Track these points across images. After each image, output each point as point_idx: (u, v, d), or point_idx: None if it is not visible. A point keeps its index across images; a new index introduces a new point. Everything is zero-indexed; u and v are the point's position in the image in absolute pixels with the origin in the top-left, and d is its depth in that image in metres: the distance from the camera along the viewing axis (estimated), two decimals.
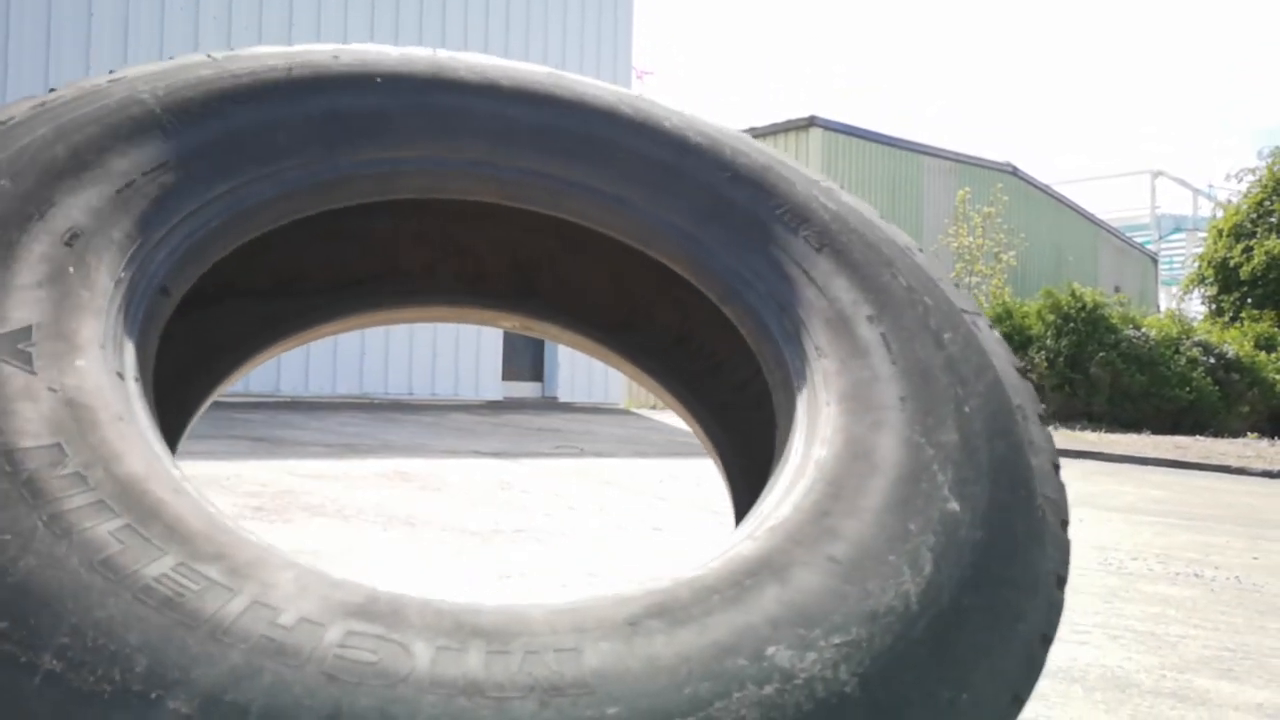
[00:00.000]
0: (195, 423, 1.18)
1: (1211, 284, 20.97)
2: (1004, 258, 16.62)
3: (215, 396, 1.20)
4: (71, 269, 0.74)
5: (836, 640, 0.65)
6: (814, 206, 1.04)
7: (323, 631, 0.57)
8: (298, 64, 1.02)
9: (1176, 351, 13.90)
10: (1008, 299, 15.41)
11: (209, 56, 1.01)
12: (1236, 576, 3.05)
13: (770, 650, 0.63)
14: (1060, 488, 0.86)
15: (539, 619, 0.63)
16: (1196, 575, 3.03)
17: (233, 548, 0.61)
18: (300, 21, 10.03)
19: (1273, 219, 20.41)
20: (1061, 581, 0.79)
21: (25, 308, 0.70)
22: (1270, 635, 2.29)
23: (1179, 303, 22.31)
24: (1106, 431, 11.83)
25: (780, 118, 17.26)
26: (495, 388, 11.46)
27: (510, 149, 1.05)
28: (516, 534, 3.01)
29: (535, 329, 1.39)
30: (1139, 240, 26.27)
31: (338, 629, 0.58)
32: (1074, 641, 2.10)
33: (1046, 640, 0.74)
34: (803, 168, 1.14)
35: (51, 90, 0.91)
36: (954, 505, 0.78)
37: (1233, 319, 19.09)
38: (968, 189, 17.39)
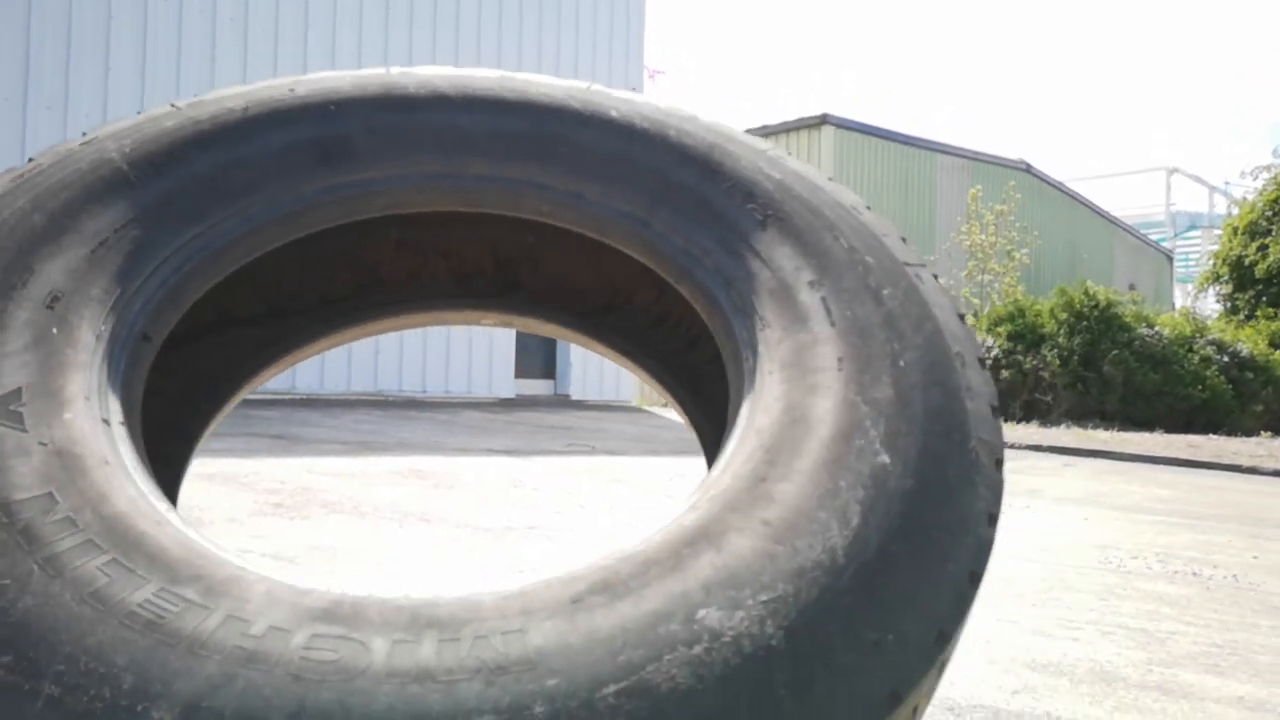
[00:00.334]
0: (200, 445, 1.25)
1: (1226, 282, 20.87)
2: (1017, 255, 16.59)
3: (218, 422, 1.27)
4: (55, 330, 0.82)
5: (764, 598, 0.69)
6: (758, 179, 1.07)
7: (290, 637, 0.64)
8: (254, 102, 1.08)
9: (1190, 350, 13.86)
10: (1020, 297, 15.40)
11: (173, 106, 1.07)
12: (1234, 575, 3.10)
13: (701, 614, 0.68)
14: (996, 429, 0.90)
15: (489, 605, 0.68)
16: (1194, 574, 3.08)
17: (209, 569, 0.69)
18: (316, 20, 10.14)
19: None
20: (993, 519, 0.83)
21: (14, 372, 0.77)
22: (1260, 632, 2.34)
23: (1194, 301, 22.20)
24: (1119, 430, 11.83)
25: (792, 116, 17.30)
26: (508, 385, 11.56)
27: (465, 157, 1.09)
28: (528, 531, 3.10)
29: (515, 323, 1.42)
30: (1154, 238, 26.15)
31: (303, 633, 0.64)
32: (1066, 638, 2.17)
33: (975, 578, 0.78)
34: (750, 139, 1.15)
35: (30, 160, 0.98)
36: (884, 458, 0.81)
37: (1248, 317, 18.99)
38: (980, 187, 17.37)
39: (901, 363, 0.89)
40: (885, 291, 0.96)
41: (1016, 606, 2.47)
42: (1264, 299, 19.71)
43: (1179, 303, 22.84)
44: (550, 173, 1.09)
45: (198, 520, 2.81)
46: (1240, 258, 20.51)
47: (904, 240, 1.06)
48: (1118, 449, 9.13)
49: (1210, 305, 21.91)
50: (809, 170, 1.11)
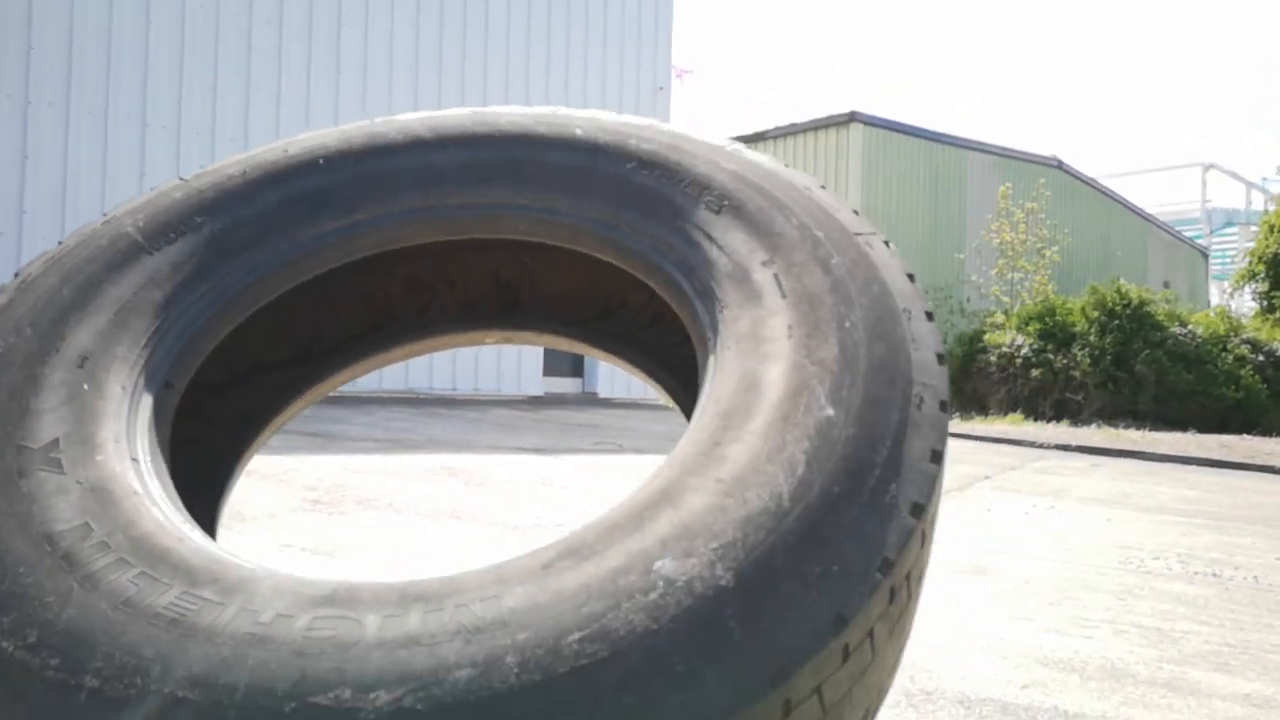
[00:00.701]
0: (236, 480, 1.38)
1: (1263, 280, 20.54)
2: (1047, 253, 16.47)
3: (253, 453, 1.40)
4: (86, 385, 0.94)
5: (714, 545, 0.78)
6: (713, 173, 1.15)
7: (294, 621, 0.74)
8: (251, 166, 1.22)
9: (1224, 349, 13.70)
10: (1051, 295, 15.29)
11: (180, 179, 1.21)
12: (1255, 576, 3.13)
13: (657, 565, 0.76)
14: (941, 374, 0.96)
15: (470, 579, 0.77)
16: (1214, 575, 3.11)
17: (225, 572, 0.79)
18: (349, 20, 10.29)
19: None
20: (936, 455, 0.89)
21: (51, 425, 0.90)
22: (1275, 632, 2.38)
23: (1230, 299, 21.88)
24: (1151, 430, 11.73)
25: (821, 114, 17.26)
26: (536, 383, 11.69)
27: (442, 190, 1.20)
28: (557, 529, 3.19)
29: (515, 338, 1.52)
30: (1189, 235, 25.79)
31: (306, 617, 0.74)
32: (1079, 636, 2.22)
33: (918, 507, 0.85)
34: (706, 138, 1.24)
35: (59, 243, 1.12)
36: (829, 411, 0.89)
37: None
38: (1010, 184, 17.24)
39: (848, 323, 0.97)
40: (834, 260, 1.04)
41: (1033, 605, 2.52)
42: None
43: (1214, 300, 22.53)
44: (523, 193, 1.19)
45: (240, 517, 2.93)
46: (1277, 255, 20.18)
47: (856, 213, 1.14)
48: (1148, 449, 9.08)
49: (1246, 303, 21.58)
50: (765, 159, 1.20)
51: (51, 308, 1.01)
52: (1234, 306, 19.83)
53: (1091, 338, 13.33)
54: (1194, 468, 8.16)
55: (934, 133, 18.02)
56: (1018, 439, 9.60)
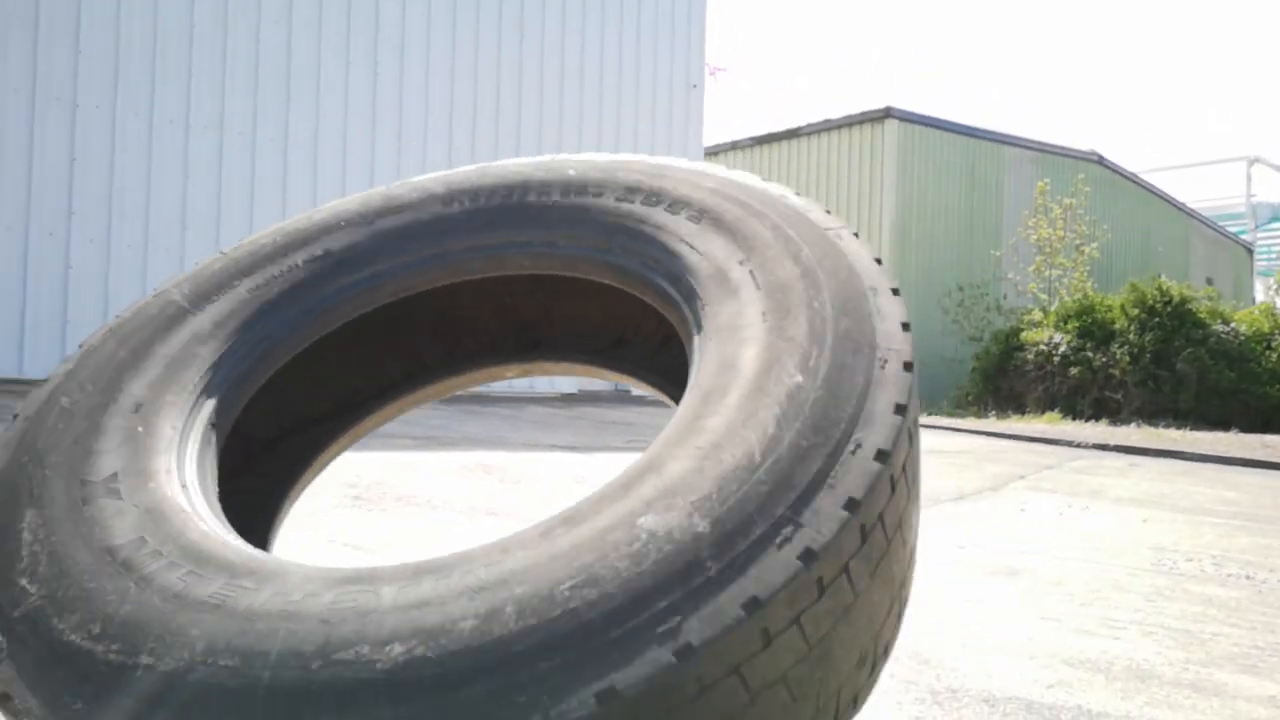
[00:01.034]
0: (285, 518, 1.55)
1: None
2: (1086, 250, 16.26)
3: (297, 496, 1.55)
4: (140, 428, 1.08)
5: (692, 498, 0.87)
6: (692, 191, 1.28)
7: (320, 597, 0.84)
8: (280, 234, 1.38)
9: (1268, 347, 13.46)
10: (1090, 292, 15.11)
11: (220, 252, 1.38)
12: None
13: (641, 520, 0.86)
14: (905, 339, 1.05)
15: (477, 551, 0.87)
16: (1248, 577, 3.10)
17: (262, 566, 0.90)
18: (386, 22, 10.43)
19: None
20: (900, 408, 0.97)
21: (111, 462, 1.04)
22: None
23: (1276, 295, 21.44)
24: (1192, 429, 11.56)
25: (855, 109, 17.16)
26: (570, 380, 11.78)
27: (452, 237, 1.35)
28: None
29: (534, 370, 1.64)
30: (1233, 230, 25.30)
31: (331, 594, 0.84)
32: (1108, 636, 2.24)
33: (883, 453, 0.93)
34: (687, 163, 1.37)
35: (116, 316, 1.28)
36: (799, 379, 0.98)
37: None
38: (1048, 180, 17.04)
39: (816, 303, 1.07)
40: (804, 253, 1.15)
41: (1063, 606, 2.54)
42: None
43: (1259, 297, 22.08)
44: (525, 232, 1.33)
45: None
46: None
47: (828, 212, 1.24)
48: (1188, 449, 8.95)
49: None
50: (742, 174, 1.31)
51: (109, 367, 1.16)
52: (1279, 303, 19.43)
53: (1131, 335, 13.15)
54: (1235, 468, 8.04)
55: (970, 128, 17.84)
56: (1055, 438, 9.52)
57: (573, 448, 5.79)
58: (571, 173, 1.37)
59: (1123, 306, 13.57)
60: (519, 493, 3.86)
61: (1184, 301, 13.47)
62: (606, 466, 5.04)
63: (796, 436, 0.92)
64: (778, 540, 0.84)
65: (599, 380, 13.26)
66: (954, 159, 17.37)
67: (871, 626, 0.96)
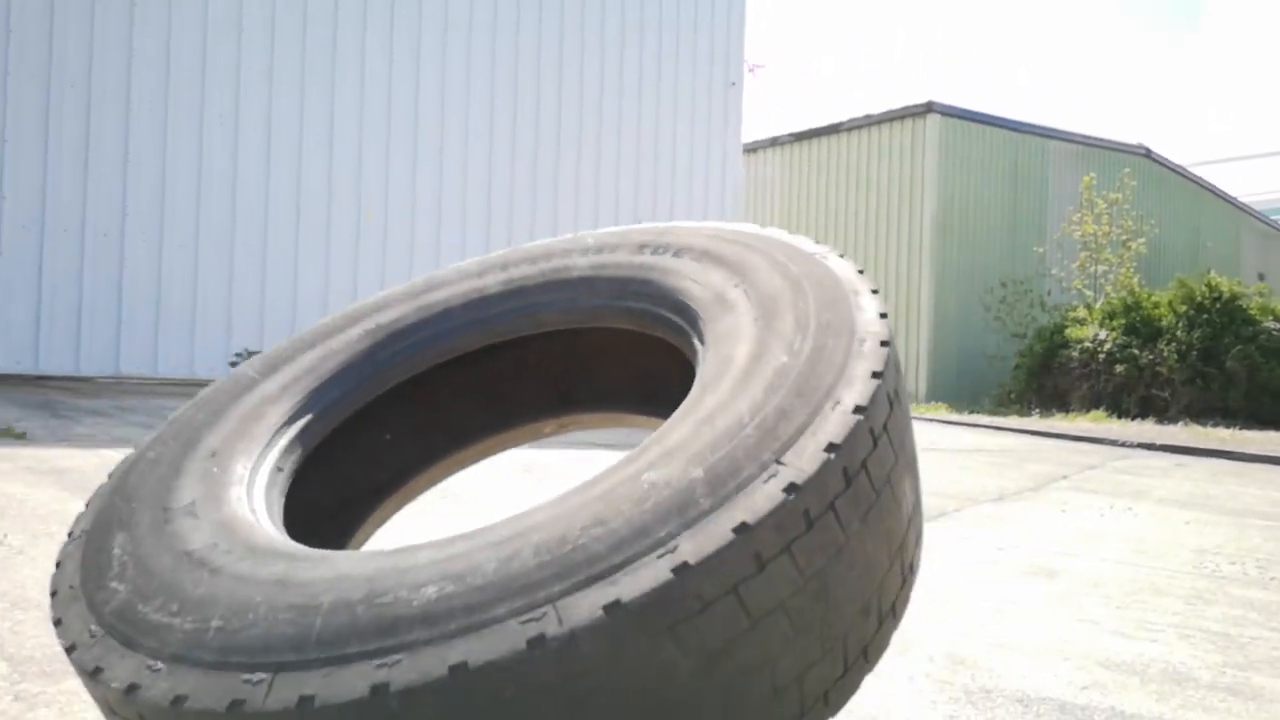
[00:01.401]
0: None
1: None
2: (1133, 245, 15.99)
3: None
4: (215, 469, 1.24)
5: (689, 453, 0.99)
6: (694, 239, 1.46)
7: (366, 565, 0.98)
8: (339, 315, 1.60)
9: None
10: (1136, 288, 14.86)
11: (293, 335, 1.59)
12: None
13: (644, 475, 0.98)
14: (882, 324, 1.18)
15: (501, 520, 1.02)
16: None
17: (318, 554, 1.03)
18: (428, 25, 10.56)
19: None
20: (876, 374, 1.09)
21: (190, 493, 1.20)
22: None
23: None
24: (1241, 429, 11.34)
25: (897, 104, 17.01)
26: None
27: (486, 303, 1.55)
28: None
29: (570, 424, 1.79)
30: None
31: (374, 563, 0.98)
32: (1144, 639, 2.24)
33: (860, 408, 1.04)
34: (693, 222, 1.57)
35: (199, 390, 1.46)
36: (784, 359, 1.12)
37: None
38: (1094, 174, 16.77)
39: (801, 304, 1.22)
40: (791, 269, 1.31)
41: (1100, 608, 2.54)
42: None
43: None
44: (550, 292, 1.52)
45: None
46: None
47: (816, 242, 1.41)
48: (1236, 449, 8.79)
49: None
50: (740, 224, 1.49)
51: (190, 427, 1.35)
52: None
53: (1179, 333, 12.92)
54: None
55: (1014, 121, 17.60)
56: (1100, 437, 9.40)
57: (611, 445, 5.85)
58: (590, 240, 1.57)
59: (1170, 303, 13.33)
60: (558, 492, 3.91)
61: (1234, 298, 13.19)
62: None
63: (781, 400, 1.05)
64: (763, 477, 0.95)
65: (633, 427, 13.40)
66: (997, 154, 17.15)
67: (871, 576, 1.05)
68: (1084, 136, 18.73)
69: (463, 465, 1.77)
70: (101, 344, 8.65)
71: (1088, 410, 12.65)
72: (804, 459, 0.97)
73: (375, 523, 1.68)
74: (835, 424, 1.01)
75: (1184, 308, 13.14)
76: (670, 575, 0.87)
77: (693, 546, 0.89)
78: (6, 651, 1.72)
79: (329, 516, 1.61)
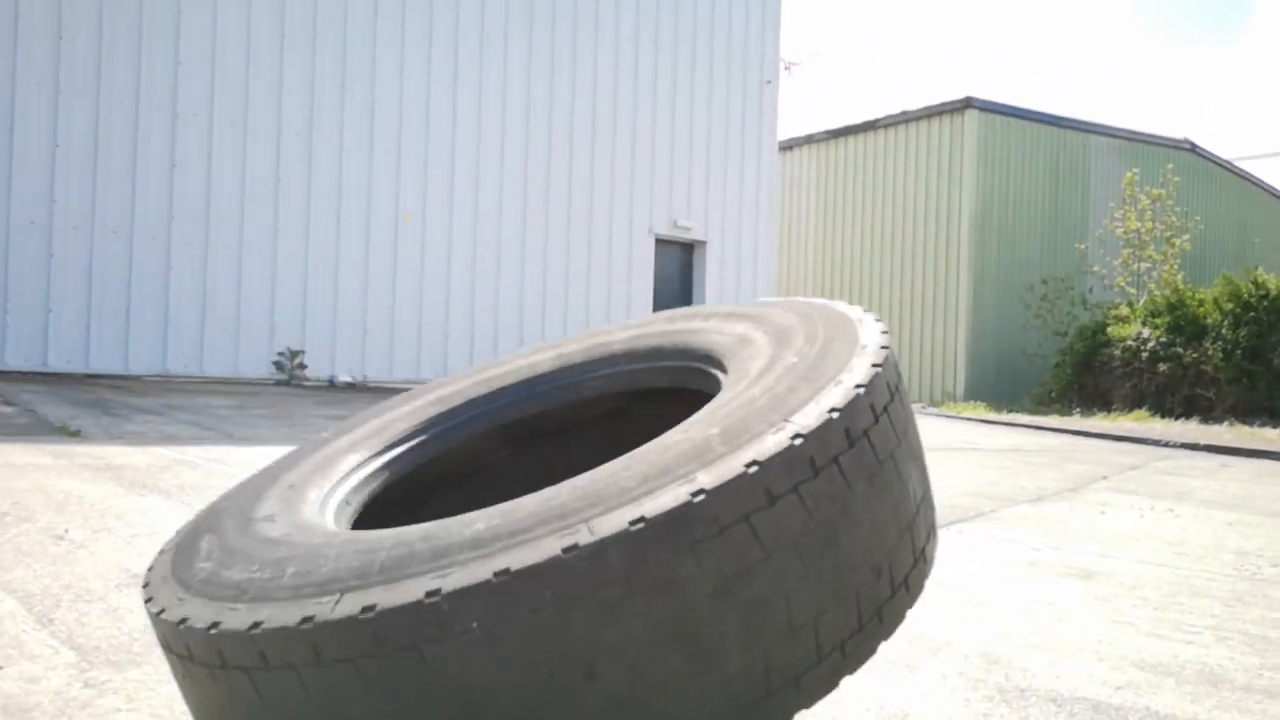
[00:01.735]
0: None
1: None
2: (1177, 242, 15.72)
3: None
4: (292, 494, 1.43)
5: (707, 423, 1.17)
6: (720, 307, 1.71)
7: (413, 536, 1.10)
8: (403, 394, 1.82)
9: None
10: (1181, 286, 14.61)
11: (361, 413, 1.84)
12: None
13: (667, 440, 1.16)
14: (883, 338, 1.35)
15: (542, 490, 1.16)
16: None
17: (373, 537, 1.15)
18: (465, 27, 10.67)
19: None
20: (875, 365, 1.25)
21: (271, 508, 1.36)
22: None
23: None
24: None
25: (934, 99, 16.86)
26: None
27: (535, 379, 1.76)
28: None
29: None
30: None
31: (424, 528, 1.12)
32: (1181, 641, 2.25)
33: (861, 384, 1.19)
34: (720, 306, 1.77)
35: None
36: (793, 359, 1.31)
37: None
38: (1137, 169, 16.51)
39: (810, 329, 1.43)
40: (802, 309, 1.54)
41: (1137, 610, 2.54)
42: None
43: None
44: (596, 365, 1.74)
45: None
46: None
47: (826, 298, 1.61)
48: None
49: None
50: (764, 298, 1.84)
51: (273, 470, 1.57)
52: None
53: (1224, 331, 12.69)
54: None
55: (1055, 116, 17.36)
56: (1142, 437, 9.27)
57: None
58: (632, 322, 1.83)
59: (1215, 300, 13.10)
60: None
61: None
62: None
63: (790, 383, 1.22)
64: (772, 430, 1.11)
65: None
66: (1038, 149, 16.95)
67: (880, 541, 1.17)
68: (1127, 131, 18.44)
69: None
70: (149, 343, 8.87)
71: (1130, 410, 12.48)
72: (809, 416, 1.12)
73: None
74: (838, 395, 1.17)
75: (1230, 305, 12.91)
76: (689, 497, 1.01)
77: (710, 477, 1.03)
78: (75, 641, 1.80)
79: None
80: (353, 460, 1.56)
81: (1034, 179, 16.82)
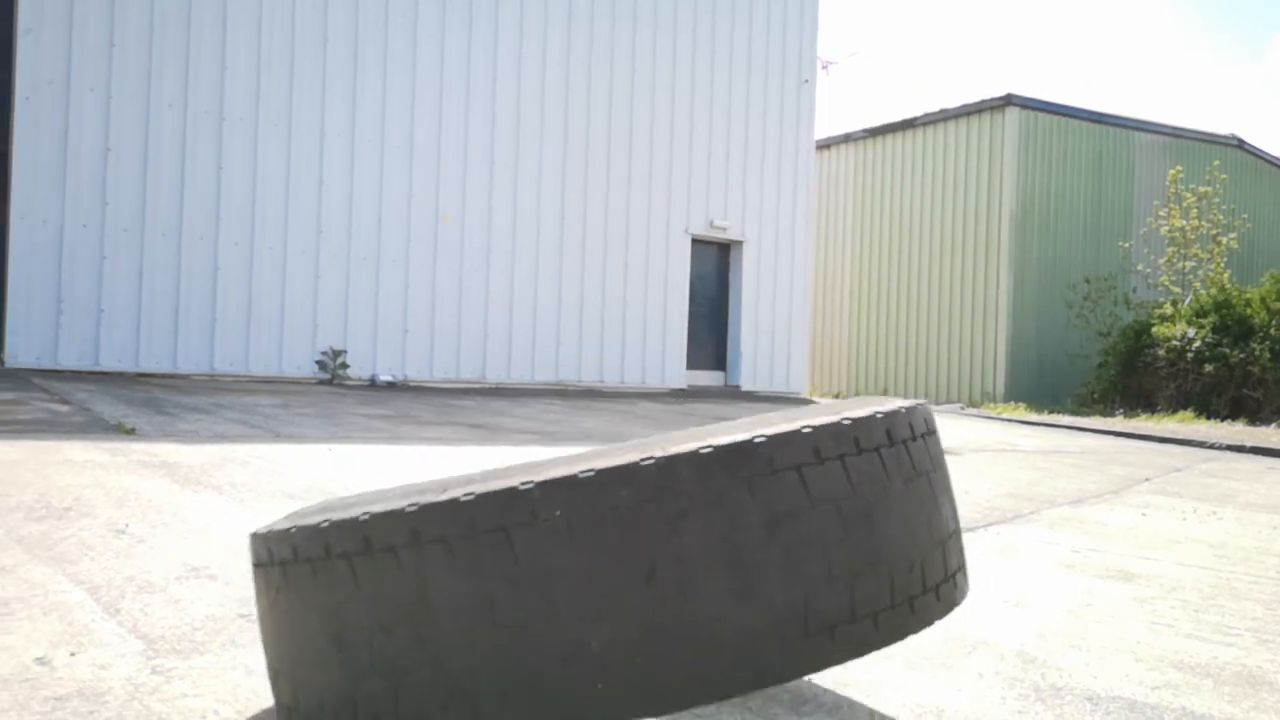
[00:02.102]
0: None
1: None
2: (1223, 240, 15.43)
3: None
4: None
5: (781, 416, 1.39)
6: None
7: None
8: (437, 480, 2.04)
9: None
10: (1227, 285, 14.35)
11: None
12: None
13: (745, 420, 1.36)
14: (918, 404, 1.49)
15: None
16: None
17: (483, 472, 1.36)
18: (504, 27, 10.77)
19: None
20: (911, 408, 1.39)
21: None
22: None
23: None
24: None
25: (974, 96, 16.68)
26: (680, 376, 11.94)
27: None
28: None
29: None
30: None
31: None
32: (1220, 642, 2.25)
33: (901, 407, 1.34)
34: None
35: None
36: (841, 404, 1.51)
37: None
38: (1182, 166, 16.22)
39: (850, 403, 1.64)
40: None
41: (1177, 611, 2.54)
42: None
43: None
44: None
45: None
46: None
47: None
48: None
49: None
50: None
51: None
52: None
53: (1273, 330, 12.45)
54: None
55: (1098, 113, 17.10)
56: (1186, 439, 9.14)
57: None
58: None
59: (1263, 299, 12.86)
60: None
61: None
62: None
63: (842, 405, 1.38)
64: (828, 416, 1.27)
65: (716, 375, 13.45)
66: (1080, 146, 16.73)
67: (914, 539, 1.27)
68: (1172, 127, 18.13)
69: None
70: (197, 343, 9.08)
71: (1175, 411, 12.29)
72: (858, 412, 1.30)
73: None
74: (883, 405, 1.35)
75: (1278, 305, 12.66)
76: (749, 438, 1.17)
77: (769, 432, 1.20)
78: (140, 631, 1.89)
79: None
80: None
81: (1076, 177, 16.60)
